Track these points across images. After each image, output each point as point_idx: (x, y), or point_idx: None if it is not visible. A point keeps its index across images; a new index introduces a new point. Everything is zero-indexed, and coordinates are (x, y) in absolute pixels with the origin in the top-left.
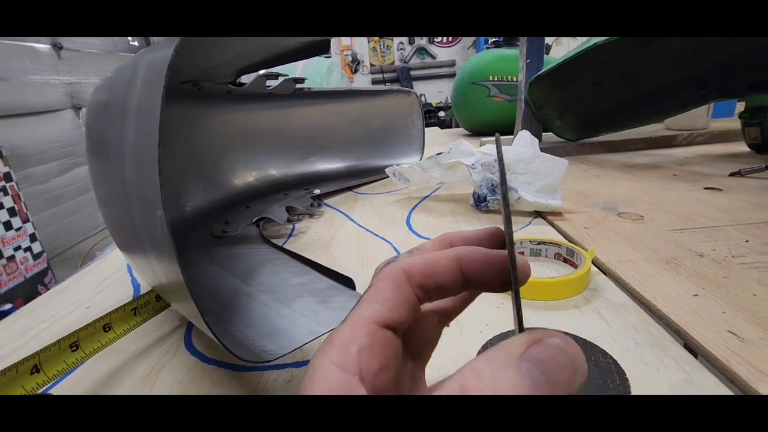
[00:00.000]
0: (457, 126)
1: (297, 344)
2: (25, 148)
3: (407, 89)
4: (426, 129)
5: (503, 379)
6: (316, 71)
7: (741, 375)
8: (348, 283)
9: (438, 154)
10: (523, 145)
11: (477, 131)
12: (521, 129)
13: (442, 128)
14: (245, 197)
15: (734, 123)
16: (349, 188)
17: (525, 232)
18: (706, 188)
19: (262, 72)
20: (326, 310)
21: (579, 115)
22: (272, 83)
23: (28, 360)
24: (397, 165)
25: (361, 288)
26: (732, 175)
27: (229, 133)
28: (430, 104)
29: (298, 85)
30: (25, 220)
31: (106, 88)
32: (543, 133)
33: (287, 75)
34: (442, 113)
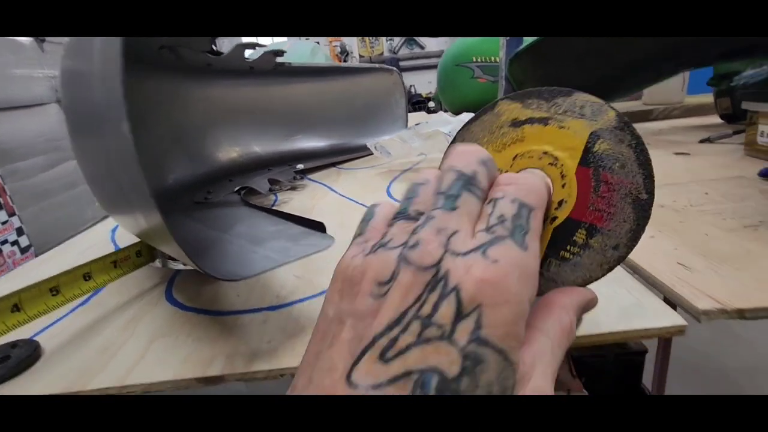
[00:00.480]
0: (446, 111)
1: (263, 269)
2: (10, 143)
3: (390, 67)
4: (413, 114)
5: None
6: (301, 53)
7: (684, 296)
8: (319, 227)
9: (417, 124)
10: None
11: (461, 111)
12: None
13: (428, 113)
14: (229, 171)
15: (708, 98)
16: (333, 164)
17: None
18: (676, 153)
19: (239, 43)
20: (296, 246)
21: None
22: (252, 55)
23: (9, 298)
24: (378, 138)
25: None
26: (702, 141)
27: (212, 109)
28: (420, 95)
29: (279, 59)
30: (11, 214)
31: (72, 50)
32: None
33: (266, 46)
34: (432, 104)
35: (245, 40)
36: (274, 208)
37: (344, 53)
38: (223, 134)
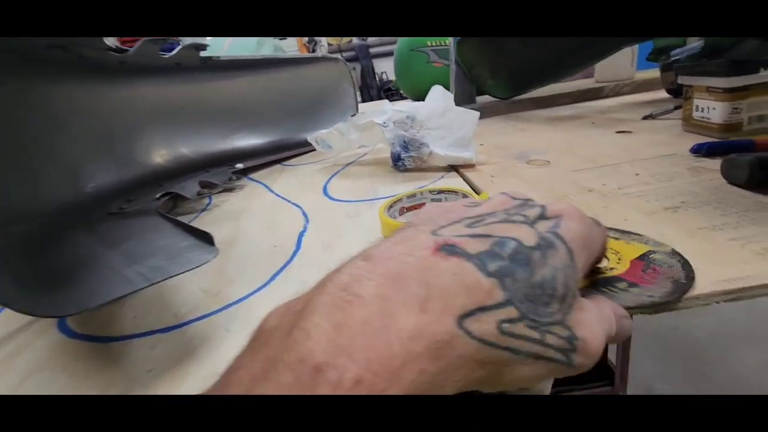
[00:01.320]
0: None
1: (115, 296)
2: None
3: (335, 56)
4: (378, 101)
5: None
6: (245, 45)
7: None
8: (207, 239)
9: (352, 115)
10: (435, 99)
11: (420, 98)
12: (454, 90)
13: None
14: (162, 175)
15: (657, 73)
16: (278, 161)
17: (434, 184)
18: (617, 132)
19: (146, 39)
20: (171, 264)
21: (509, 72)
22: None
23: None
24: (316, 132)
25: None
26: (645, 118)
27: (140, 110)
28: (391, 81)
29: (203, 54)
30: None
31: None
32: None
33: (179, 41)
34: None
35: (154, 37)
36: (205, 211)
37: (312, 42)
38: (151, 137)
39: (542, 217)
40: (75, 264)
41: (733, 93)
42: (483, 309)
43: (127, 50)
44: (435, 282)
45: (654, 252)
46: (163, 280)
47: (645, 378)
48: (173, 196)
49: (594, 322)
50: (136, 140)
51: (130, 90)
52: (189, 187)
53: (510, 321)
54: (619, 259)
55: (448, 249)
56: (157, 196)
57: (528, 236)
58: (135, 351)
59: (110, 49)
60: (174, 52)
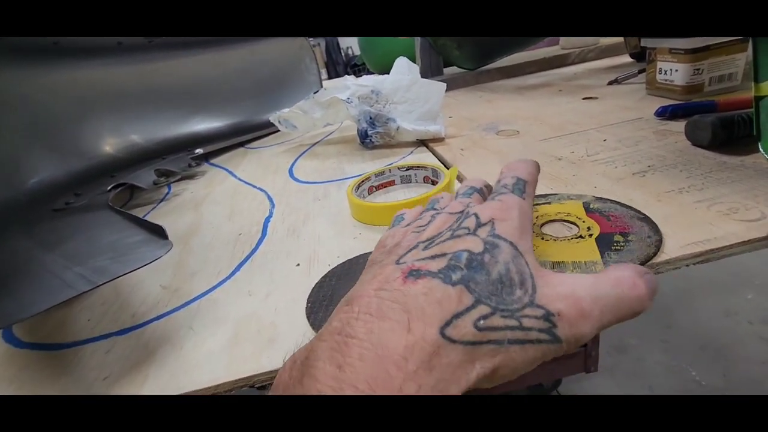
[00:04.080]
0: (371, 73)
1: (51, 304)
2: None
3: None
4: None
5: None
6: None
7: None
8: (160, 232)
9: (315, 92)
10: (400, 72)
11: (386, 72)
12: (420, 62)
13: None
14: (113, 166)
15: (621, 37)
16: (241, 144)
17: (403, 161)
18: (584, 98)
19: None
20: (115, 263)
21: (475, 42)
22: None
23: None
24: (278, 112)
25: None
26: (610, 83)
27: (84, 95)
28: (357, 57)
29: None
30: None
31: None
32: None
33: None
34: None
35: None
36: (164, 201)
37: None
38: (97, 124)
39: (479, 225)
40: (8, 270)
41: (694, 54)
42: (457, 315)
43: None
44: (412, 305)
45: (588, 203)
46: (107, 282)
47: (616, 336)
48: (128, 187)
49: (572, 291)
50: (80, 129)
51: (67, 73)
52: (143, 177)
53: (484, 317)
54: (578, 217)
55: (415, 273)
56: (108, 188)
57: (475, 245)
58: (88, 357)
59: None
60: None
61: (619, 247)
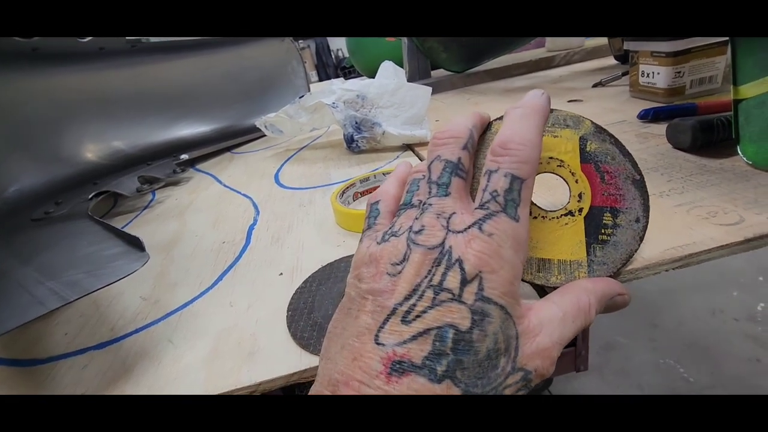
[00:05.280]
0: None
1: (18, 323)
2: None
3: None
4: (328, 81)
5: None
6: None
7: None
8: (137, 243)
9: (300, 97)
10: (386, 77)
11: (375, 74)
12: (408, 65)
13: (347, 78)
14: (96, 173)
15: (606, 39)
16: (227, 149)
17: (390, 166)
18: (569, 101)
19: None
20: (89, 277)
21: (462, 45)
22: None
23: None
24: (264, 116)
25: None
26: (595, 86)
27: (65, 102)
28: (347, 58)
29: (128, 36)
30: None
31: None
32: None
33: None
34: None
35: None
36: (147, 208)
37: None
38: (79, 131)
39: (465, 281)
40: None
41: (675, 57)
42: None
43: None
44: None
45: (585, 140)
46: (79, 298)
47: (605, 334)
48: (112, 194)
49: (548, 341)
50: (62, 136)
51: (48, 79)
52: (127, 184)
53: None
54: (571, 172)
55: (398, 369)
56: (90, 196)
57: (461, 318)
58: (64, 373)
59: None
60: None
61: (606, 237)
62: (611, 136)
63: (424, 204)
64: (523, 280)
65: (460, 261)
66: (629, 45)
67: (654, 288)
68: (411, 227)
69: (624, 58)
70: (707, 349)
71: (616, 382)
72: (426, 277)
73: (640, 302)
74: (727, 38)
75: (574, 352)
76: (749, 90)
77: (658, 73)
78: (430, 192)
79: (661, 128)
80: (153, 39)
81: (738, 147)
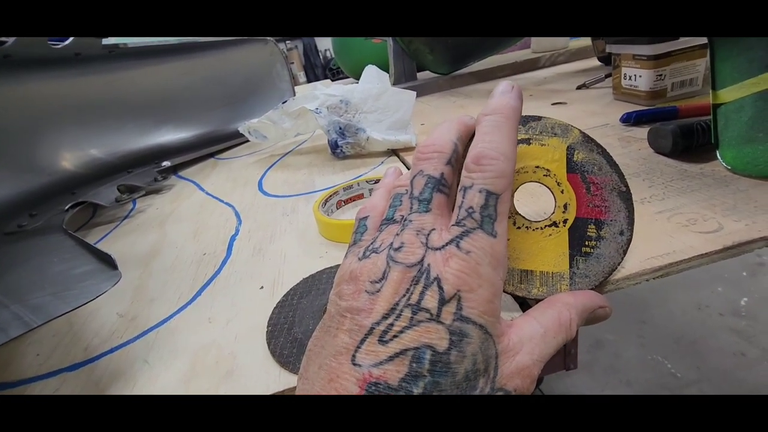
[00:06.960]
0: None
1: None
2: None
3: (263, 38)
4: (314, 83)
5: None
6: None
7: None
8: (109, 261)
9: (284, 102)
10: (370, 81)
11: (360, 76)
12: (393, 67)
13: (335, 79)
14: (73, 183)
15: (590, 41)
16: (211, 155)
17: (374, 172)
18: (553, 104)
19: None
20: (56, 300)
21: (448, 45)
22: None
23: None
24: (247, 122)
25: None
26: (578, 88)
27: (40, 109)
28: (334, 59)
29: (105, 41)
30: None
31: None
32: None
33: None
34: None
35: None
36: (128, 219)
37: None
38: (54, 140)
39: (443, 301)
40: None
41: (657, 60)
42: None
43: (6, 41)
44: None
45: (573, 149)
46: (43, 324)
47: (594, 332)
48: (90, 204)
49: (528, 359)
50: (36, 144)
51: (21, 86)
52: (105, 194)
53: None
54: (557, 182)
55: (374, 391)
56: (66, 207)
57: (439, 338)
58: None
59: None
60: (69, 41)
61: (589, 249)
62: (599, 146)
63: (405, 220)
64: (504, 291)
65: (438, 280)
66: (612, 48)
67: (641, 286)
68: (392, 244)
69: (607, 59)
70: (694, 343)
71: (605, 379)
72: (404, 296)
73: (629, 299)
74: (707, 41)
75: (564, 350)
76: (728, 94)
77: (640, 76)
78: (411, 208)
79: (643, 132)
80: (132, 43)
81: (717, 152)
